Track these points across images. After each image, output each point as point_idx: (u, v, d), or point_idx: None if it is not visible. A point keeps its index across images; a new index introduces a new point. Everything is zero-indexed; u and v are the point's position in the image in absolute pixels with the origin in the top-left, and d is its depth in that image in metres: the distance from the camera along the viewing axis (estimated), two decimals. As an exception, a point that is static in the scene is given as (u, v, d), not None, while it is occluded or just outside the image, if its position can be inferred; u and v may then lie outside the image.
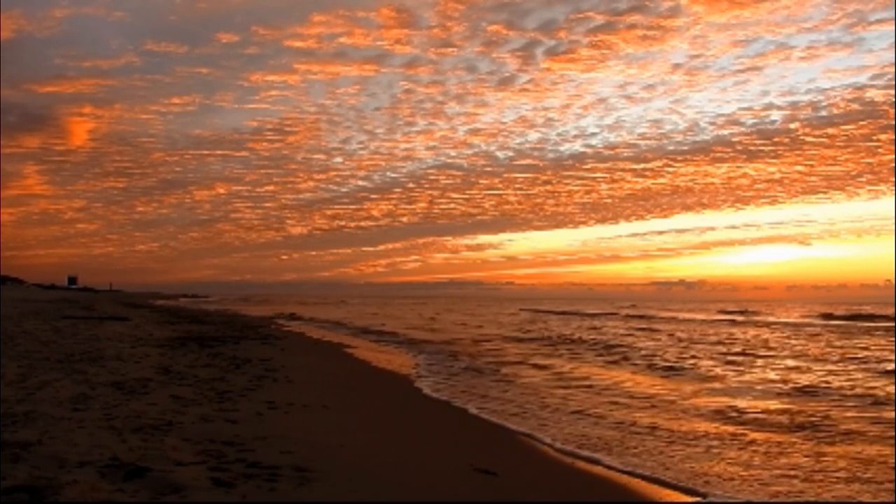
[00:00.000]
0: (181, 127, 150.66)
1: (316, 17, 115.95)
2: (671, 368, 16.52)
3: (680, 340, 26.98)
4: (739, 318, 53.85)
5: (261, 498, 4.79)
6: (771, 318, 51.64)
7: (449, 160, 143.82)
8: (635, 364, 17.77)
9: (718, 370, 16.41)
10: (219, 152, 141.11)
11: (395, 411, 10.29)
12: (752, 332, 34.78)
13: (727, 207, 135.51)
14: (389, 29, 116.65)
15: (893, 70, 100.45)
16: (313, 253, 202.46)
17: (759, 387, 13.64)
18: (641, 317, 53.40)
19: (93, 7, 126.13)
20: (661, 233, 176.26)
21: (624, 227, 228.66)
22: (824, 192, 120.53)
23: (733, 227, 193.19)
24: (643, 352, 21.22)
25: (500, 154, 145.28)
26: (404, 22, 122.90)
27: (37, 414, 7.00)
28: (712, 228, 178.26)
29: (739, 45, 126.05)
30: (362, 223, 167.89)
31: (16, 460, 5.18)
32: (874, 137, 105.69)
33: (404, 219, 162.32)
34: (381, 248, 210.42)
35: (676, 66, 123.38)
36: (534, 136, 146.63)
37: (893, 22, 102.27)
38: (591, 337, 27.97)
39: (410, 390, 12.82)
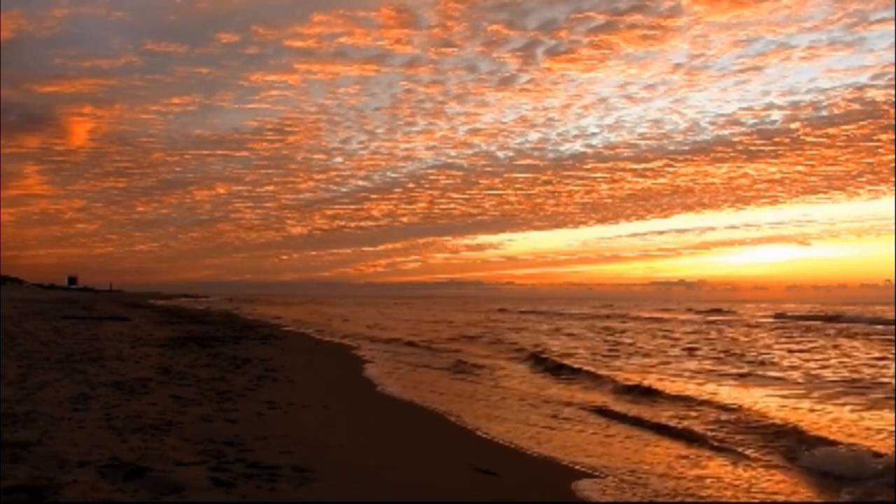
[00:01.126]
0: (181, 127, 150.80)
1: (316, 17, 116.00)
2: (561, 366, 17.63)
3: (595, 338, 28.53)
4: (701, 317, 54.53)
5: (261, 498, 4.79)
6: (731, 318, 52.47)
7: (449, 160, 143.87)
8: (524, 360, 19.50)
9: (589, 367, 16.89)
10: (219, 152, 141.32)
11: (394, 411, 10.28)
12: (678, 329, 35.97)
13: (727, 207, 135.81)
14: (390, 29, 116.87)
15: (894, 70, 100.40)
16: (313, 253, 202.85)
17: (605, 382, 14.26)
18: (608, 316, 54.41)
19: (93, 7, 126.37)
20: (661, 233, 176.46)
21: (624, 227, 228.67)
22: (824, 192, 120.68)
23: (733, 227, 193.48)
24: (544, 348, 22.55)
25: (500, 154, 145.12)
26: (404, 22, 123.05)
27: (37, 414, 7.00)
28: (712, 228, 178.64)
29: (740, 44, 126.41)
30: (362, 223, 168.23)
31: (16, 460, 5.18)
32: (874, 137, 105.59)
33: (404, 219, 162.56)
34: (381, 248, 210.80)
35: (677, 66, 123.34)
36: (534, 136, 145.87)
37: (894, 22, 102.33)
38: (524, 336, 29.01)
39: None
